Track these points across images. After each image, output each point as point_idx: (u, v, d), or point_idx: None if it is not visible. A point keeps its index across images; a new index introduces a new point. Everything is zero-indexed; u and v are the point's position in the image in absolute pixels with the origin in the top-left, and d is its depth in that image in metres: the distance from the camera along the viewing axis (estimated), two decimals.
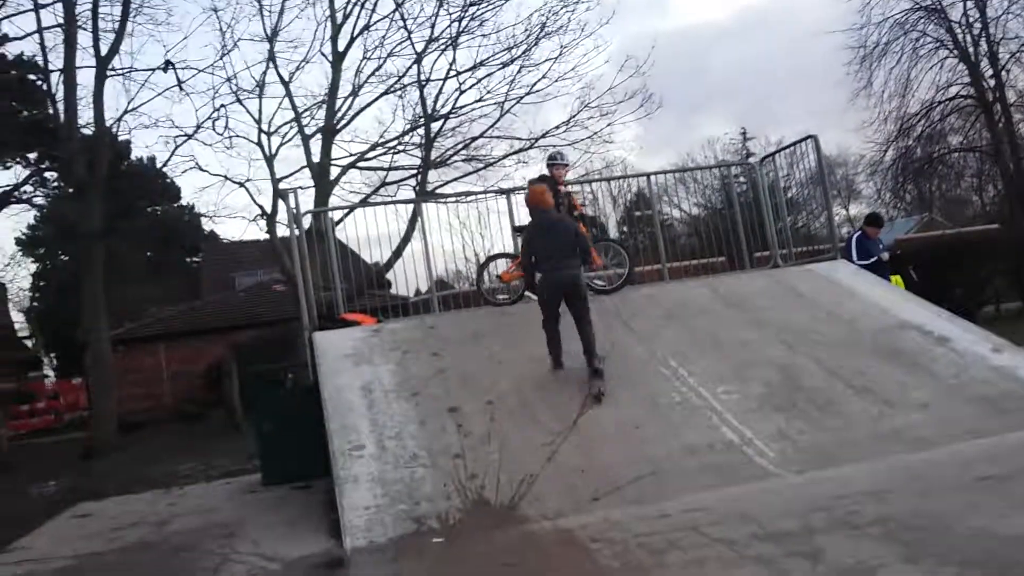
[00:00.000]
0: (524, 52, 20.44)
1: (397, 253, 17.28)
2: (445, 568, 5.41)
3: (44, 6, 18.98)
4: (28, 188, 22.99)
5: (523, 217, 10.34)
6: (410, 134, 21.18)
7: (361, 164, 21.12)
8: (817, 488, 5.85)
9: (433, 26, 20.41)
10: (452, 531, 5.84)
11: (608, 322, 8.86)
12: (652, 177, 11.87)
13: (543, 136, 20.97)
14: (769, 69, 69.09)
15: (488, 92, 20.81)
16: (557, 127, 20.99)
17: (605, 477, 6.29)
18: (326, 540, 6.43)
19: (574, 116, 20.66)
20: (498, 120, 20.87)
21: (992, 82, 26.03)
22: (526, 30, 20.47)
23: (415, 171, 20.70)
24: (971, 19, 25.70)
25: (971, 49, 25.93)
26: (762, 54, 70.76)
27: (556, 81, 20.57)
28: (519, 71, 20.57)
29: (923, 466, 6.09)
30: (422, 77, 20.66)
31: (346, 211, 13.25)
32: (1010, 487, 5.28)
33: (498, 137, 21.27)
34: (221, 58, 20.09)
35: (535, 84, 20.57)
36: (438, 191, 20.42)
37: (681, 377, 7.71)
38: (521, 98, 20.63)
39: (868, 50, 26.03)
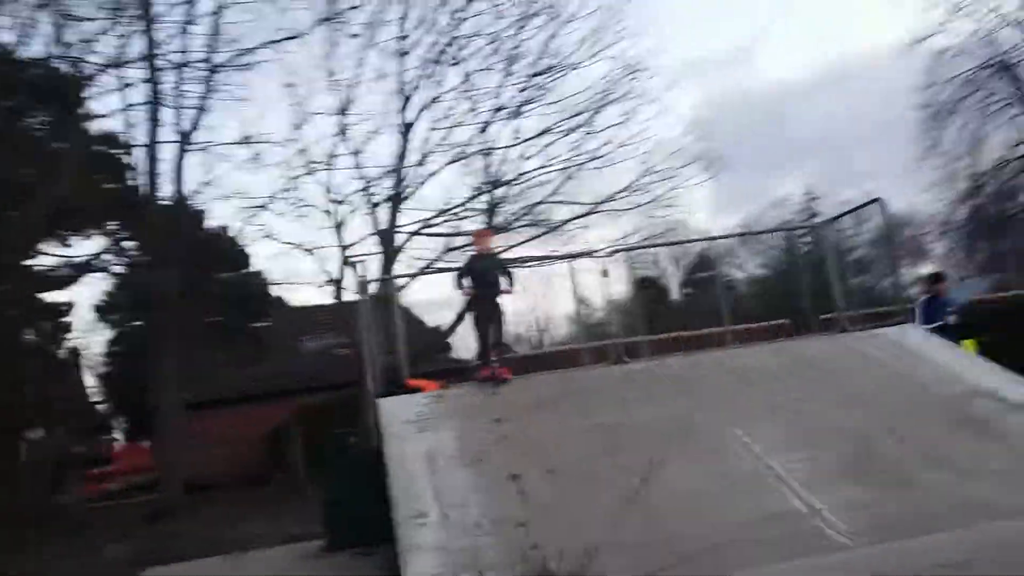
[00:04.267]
0: (588, 120, 20.77)
1: (460, 317, 17.44)
2: None
3: (130, 85, 19.95)
4: (107, 257, 23.91)
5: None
6: (474, 200, 21.53)
7: (426, 230, 21.48)
8: (893, 560, 5.66)
9: (498, 96, 20.88)
10: None
11: (669, 388, 8.78)
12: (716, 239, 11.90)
13: (606, 200, 21.14)
14: (845, 127, 68.19)
15: (552, 159, 21.12)
16: (620, 191, 21.15)
17: (671, 548, 6.16)
18: None
19: (636, 181, 20.81)
20: (561, 185, 21.14)
21: None
22: (590, 98, 20.82)
23: None
24: None
25: None
26: (838, 112, 69.76)
27: (620, 147, 20.81)
28: (583, 137, 20.88)
29: (1003, 536, 5.87)
30: (487, 146, 21.07)
31: (410, 277, 13.50)
32: None
33: (561, 202, 21.51)
34: (295, 131, 20.75)
35: (598, 149, 20.84)
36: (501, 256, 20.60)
37: (747, 445, 7.57)
38: (584, 164, 20.89)
39: (937, 108, 25.80)
